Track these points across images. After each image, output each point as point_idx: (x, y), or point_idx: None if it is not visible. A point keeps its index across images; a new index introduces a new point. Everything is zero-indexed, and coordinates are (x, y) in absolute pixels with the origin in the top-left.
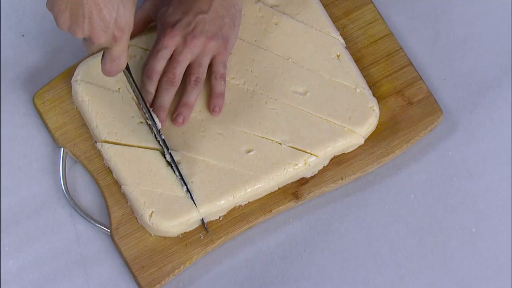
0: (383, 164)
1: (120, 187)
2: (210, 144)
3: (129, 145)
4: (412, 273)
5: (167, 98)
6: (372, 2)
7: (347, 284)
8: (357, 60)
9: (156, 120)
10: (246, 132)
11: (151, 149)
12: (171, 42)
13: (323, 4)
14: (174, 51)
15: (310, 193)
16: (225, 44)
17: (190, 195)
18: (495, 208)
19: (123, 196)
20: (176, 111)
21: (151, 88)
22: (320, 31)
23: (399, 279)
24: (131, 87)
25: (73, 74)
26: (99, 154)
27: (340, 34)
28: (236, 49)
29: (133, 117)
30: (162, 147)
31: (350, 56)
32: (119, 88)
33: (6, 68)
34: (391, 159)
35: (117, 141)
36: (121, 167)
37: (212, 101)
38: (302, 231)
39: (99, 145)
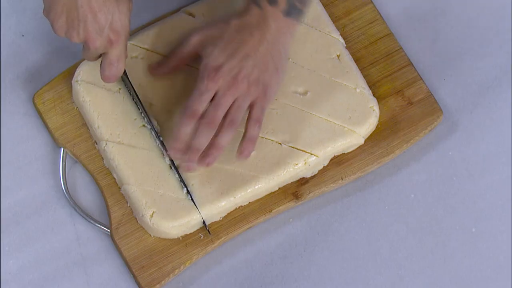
0: (383, 164)
1: (120, 187)
2: None
3: (133, 146)
4: (412, 273)
5: (205, 140)
6: (372, 2)
7: (347, 284)
8: (357, 60)
9: (154, 123)
10: None
11: (154, 151)
12: (214, 86)
13: (323, 4)
14: (215, 94)
15: (310, 193)
16: (265, 90)
17: (191, 197)
18: (495, 208)
19: (123, 196)
20: (206, 152)
21: (189, 129)
22: (320, 31)
23: (399, 279)
24: (129, 92)
25: (74, 74)
26: (99, 154)
27: (340, 34)
28: None
29: (135, 119)
30: (161, 149)
31: (350, 56)
32: (120, 89)
33: (6, 68)
34: (391, 159)
35: (119, 143)
36: (124, 167)
37: (242, 145)
38: (302, 231)
39: (103, 143)
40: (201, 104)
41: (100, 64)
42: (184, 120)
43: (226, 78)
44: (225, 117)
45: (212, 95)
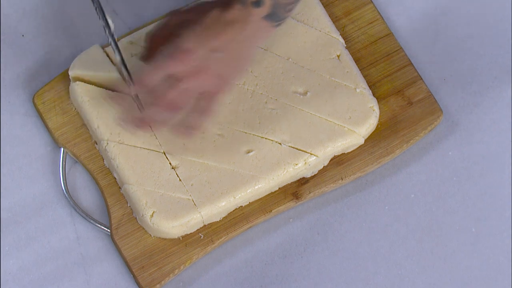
0: (383, 164)
1: (120, 187)
2: (209, 145)
3: (133, 146)
4: (412, 273)
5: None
6: (372, 2)
7: (347, 284)
8: (357, 60)
9: (110, 21)
10: (246, 133)
11: (154, 151)
12: (176, 67)
13: (323, 4)
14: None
15: (310, 193)
16: (220, 86)
17: (191, 197)
18: (495, 208)
19: (123, 196)
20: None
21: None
22: (320, 31)
23: (399, 279)
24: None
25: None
26: (99, 154)
27: (340, 34)
28: None
29: None
30: (113, 46)
31: (350, 56)
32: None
33: (6, 68)
34: (391, 159)
35: (120, 142)
36: (125, 166)
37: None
38: (302, 231)
39: (103, 143)
40: (152, 79)
41: None
42: (131, 86)
43: (190, 64)
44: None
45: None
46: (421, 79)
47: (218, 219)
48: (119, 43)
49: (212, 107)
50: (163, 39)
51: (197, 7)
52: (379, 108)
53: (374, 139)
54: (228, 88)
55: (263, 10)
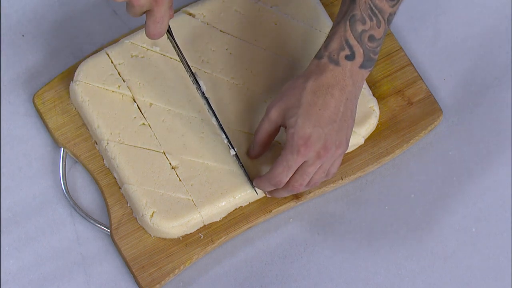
0: (383, 164)
1: (120, 187)
2: (209, 145)
3: (133, 146)
4: (412, 273)
5: (283, 196)
6: None
7: (347, 284)
8: None
9: (201, 82)
10: (246, 132)
11: (154, 151)
12: (304, 158)
13: (323, 4)
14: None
15: (310, 193)
16: (346, 146)
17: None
18: (495, 208)
19: (123, 196)
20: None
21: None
22: (320, 31)
23: (399, 279)
24: (175, 49)
25: (74, 74)
26: (99, 154)
27: None
28: (236, 49)
29: (135, 118)
30: (207, 109)
31: None
32: (119, 86)
33: (6, 68)
34: (391, 159)
35: (120, 142)
36: (125, 166)
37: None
38: (302, 231)
39: (103, 143)
40: (287, 176)
41: (145, 22)
42: (266, 186)
43: (315, 149)
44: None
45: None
46: (421, 79)
47: (218, 219)
48: (119, 43)
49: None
50: (271, 134)
51: (288, 87)
52: (379, 108)
53: (374, 139)
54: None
55: (358, 60)
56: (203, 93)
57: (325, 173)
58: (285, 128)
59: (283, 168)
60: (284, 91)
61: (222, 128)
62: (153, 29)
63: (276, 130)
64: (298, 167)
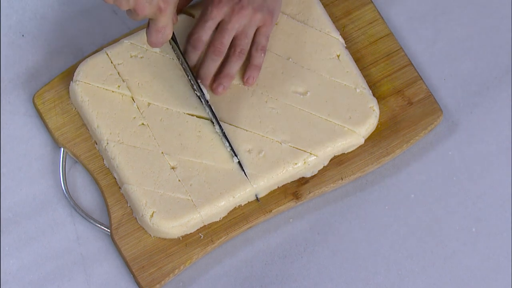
0: (383, 164)
1: (120, 187)
2: (207, 145)
3: (133, 146)
4: (412, 273)
5: (213, 68)
6: (372, 2)
7: (347, 284)
8: (357, 60)
9: (205, 90)
10: (246, 131)
11: (154, 151)
12: (219, 12)
13: (323, 4)
14: (220, 21)
15: (310, 193)
16: (271, 16)
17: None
18: (495, 208)
19: (123, 196)
20: (217, 81)
21: (195, 57)
22: (320, 31)
23: (399, 279)
24: (179, 59)
25: (73, 74)
26: (99, 154)
27: (340, 34)
28: None
29: (134, 118)
30: (211, 117)
31: (350, 56)
32: (119, 86)
33: (6, 68)
34: (391, 159)
35: (120, 142)
36: (125, 166)
37: (248, 72)
38: (302, 231)
39: (103, 143)
40: (205, 31)
41: (147, 28)
42: (189, 49)
43: (230, 5)
44: (234, 47)
45: (217, 23)
46: (421, 79)
47: (217, 219)
48: (118, 43)
49: (266, 44)
50: None
51: None
52: (379, 108)
53: (374, 139)
54: (275, 18)
55: None
56: (207, 101)
57: (249, 39)
58: None
59: (199, 24)
60: None
61: (225, 136)
62: (155, 37)
63: None
64: (218, 26)
